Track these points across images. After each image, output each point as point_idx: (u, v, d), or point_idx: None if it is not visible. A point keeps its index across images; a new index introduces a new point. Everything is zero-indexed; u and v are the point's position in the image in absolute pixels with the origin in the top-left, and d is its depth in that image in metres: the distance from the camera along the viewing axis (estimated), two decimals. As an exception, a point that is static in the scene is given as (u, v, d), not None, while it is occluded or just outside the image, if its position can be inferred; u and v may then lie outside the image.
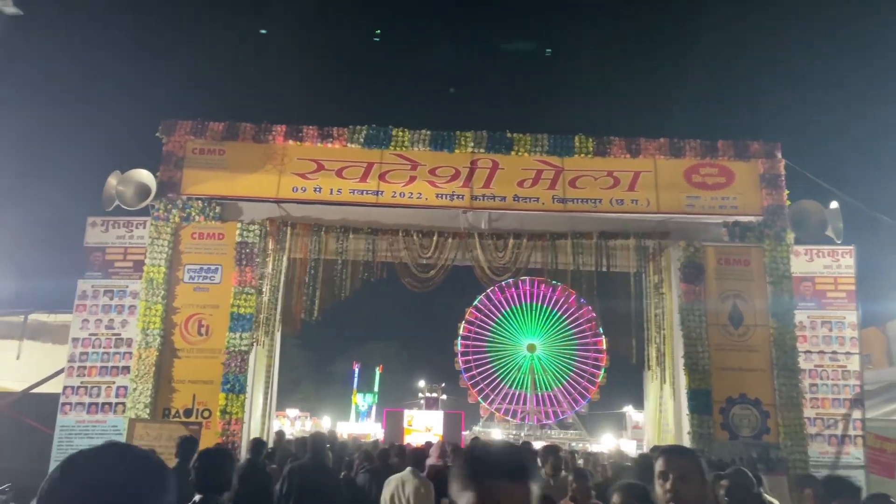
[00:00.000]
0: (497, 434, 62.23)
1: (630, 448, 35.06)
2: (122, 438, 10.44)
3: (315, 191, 12.26)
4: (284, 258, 12.18)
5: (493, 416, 67.48)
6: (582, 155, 12.42)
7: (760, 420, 11.46)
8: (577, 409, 66.93)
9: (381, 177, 12.32)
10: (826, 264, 12.15)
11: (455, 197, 12.28)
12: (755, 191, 12.32)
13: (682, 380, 11.66)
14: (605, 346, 65.10)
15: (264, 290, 11.95)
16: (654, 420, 12.75)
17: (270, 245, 12.09)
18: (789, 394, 11.45)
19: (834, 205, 11.94)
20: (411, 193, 12.27)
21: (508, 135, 12.50)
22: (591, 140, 12.48)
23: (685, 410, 11.53)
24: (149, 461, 1.59)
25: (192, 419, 11.20)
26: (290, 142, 12.46)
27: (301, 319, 11.99)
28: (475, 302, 67.67)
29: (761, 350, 11.73)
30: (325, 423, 51.39)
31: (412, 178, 12.33)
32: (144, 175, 12.06)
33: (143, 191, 12.01)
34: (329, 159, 12.39)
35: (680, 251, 12.09)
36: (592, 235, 12.23)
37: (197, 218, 12.06)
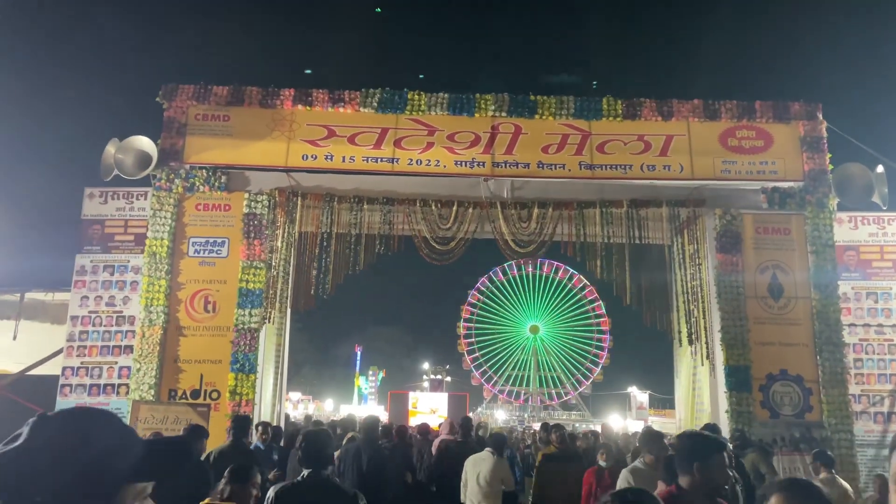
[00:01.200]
0: (501, 415, 62.08)
1: (637, 428, 34.47)
2: (126, 421, 9.78)
3: (326, 158, 11.51)
4: (295, 230, 11.45)
5: (497, 398, 67.46)
6: (610, 118, 11.65)
7: (803, 397, 10.80)
8: (580, 389, 66.99)
9: (397, 143, 11.57)
10: (871, 232, 11.43)
11: (475, 164, 11.54)
12: (795, 155, 11.57)
13: (720, 355, 10.98)
14: (608, 327, 65.59)
15: (274, 264, 11.23)
16: (688, 398, 12.09)
17: (280, 217, 11.36)
18: (833, 369, 10.78)
19: (880, 169, 11.19)
20: (429, 161, 11.52)
21: (532, 97, 11.73)
22: (619, 102, 11.70)
23: (722, 388, 10.86)
24: (112, 420, 1.60)
25: (200, 401, 10.53)
26: (299, 107, 11.70)
27: (313, 295, 11.26)
28: (478, 284, 67.66)
29: (803, 324, 11.04)
30: (327, 406, 51.19)
31: (429, 145, 11.57)
32: (145, 143, 11.31)
33: (144, 159, 11.26)
34: (341, 125, 11.63)
35: (716, 220, 11.37)
36: (623, 204, 11.49)
37: (201, 188, 11.33)
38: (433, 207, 11.46)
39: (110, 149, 11.23)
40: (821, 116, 11.64)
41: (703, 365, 11.20)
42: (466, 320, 66.98)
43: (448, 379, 59.84)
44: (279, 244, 11.29)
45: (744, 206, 11.47)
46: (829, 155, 11.49)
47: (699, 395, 11.63)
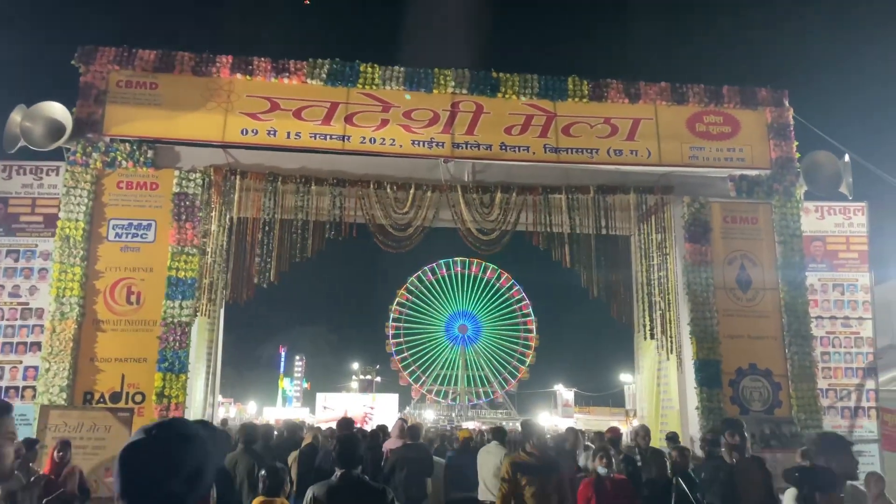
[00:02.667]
0: (429, 415, 61.56)
1: (566, 425, 34.31)
2: (32, 429, 8.39)
3: (269, 134, 10.36)
4: (233, 213, 10.25)
5: (425, 398, 67.04)
6: (576, 99, 10.99)
7: (772, 392, 10.43)
8: (507, 388, 67.32)
9: (348, 119, 10.54)
10: (837, 222, 11.18)
11: (434, 144, 10.64)
12: (762, 142, 11.23)
13: (688, 350, 10.48)
14: (534, 326, 66.29)
15: (208, 249, 10.00)
16: (651, 394, 11.55)
17: (215, 197, 10.13)
18: (802, 363, 10.45)
19: (847, 158, 10.95)
20: (383, 139, 10.55)
21: (494, 74, 10.93)
22: (586, 83, 11.05)
23: (692, 383, 10.36)
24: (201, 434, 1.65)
25: (121, 404, 9.21)
26: (238, 76, 10.50)
27: (255, 284, 10.08)
28: (406, 283, 67.06)
29: (771, 316, 10.68)
30: (250, 409, 49.17)
31: (384, 122, 10.60)
32: (57, 110, 9.86)
33: (56, 129, 9.82)
34: (285, 97, 10.51)
35: (684, 208, 10.87)
36: (589, 190, 10.83)
37: (124, 163, 9.98)
38: (388, 190, 10.49)
39: (16, 116, 9.73)
40: (787, 103, 11.34)
41: (668, 360, 10.65)
42: (395, 320, 66.36)
43: (378, 379, 58.64)
44: (214, 227, 10.06)
45: (712, 195, 11.04)
46: (795, 143, 11.19)
47: (665, 391, 11.11)
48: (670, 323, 10.64)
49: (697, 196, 10.91)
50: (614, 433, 8.94)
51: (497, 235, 10.72)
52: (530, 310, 66.54)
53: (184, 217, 9.88)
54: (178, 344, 9.48)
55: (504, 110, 10.87)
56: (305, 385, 56.46)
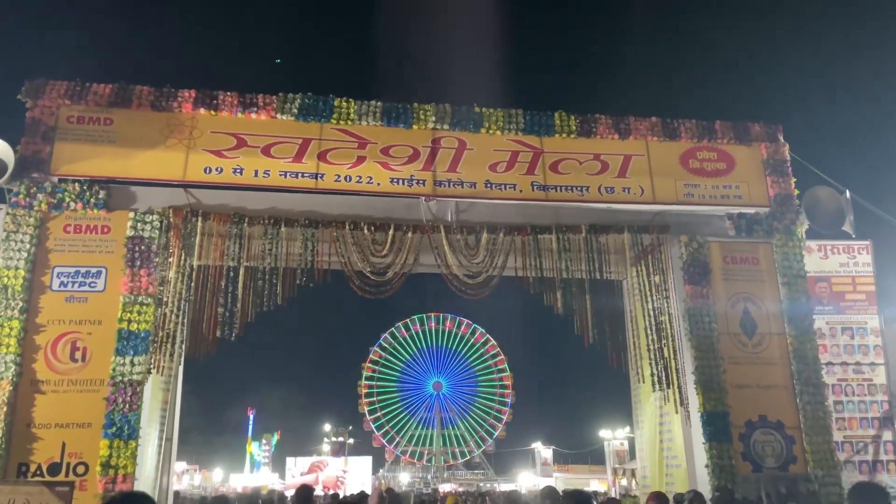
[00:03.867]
0: (404, 478, 59.38)
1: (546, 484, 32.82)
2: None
3: (235, 172, 9.53)
4: (194, 258, 9.30)
5: (399, 460, 64.99)
6: (564, 135, 10.38)
7: (785, 447, 9.58)
8: (484, 447, 65.53)
9: (321, 156, 9.77)
10: (842, 262, 10.59)
11: (414, 182, 9.89)
12: (759, 179, 10.69)
13: (694, 401, 9.63)
14: (510, 382, 65.00)
15: (165, 299, 8.99)
16: (654, 450, 10.61)
17: (174, 241, 9.18)
18: (815, 414, 9.66)
19: (848, 194, 10.44)
20: (360, 177, 9.77)
21: (477, 109, 10.29)
22: (573, 118, 10.48)
23: (699, 438, 9.48)
24: None
25: (61, 477, 8.04)
26: (202, 110, 9.71)
27: (217, 338, 9.05)
28: (379, 340, 65.67)
29: (779, 363, 9.92)
30: (215, 477, 46.87)
31: (361, 159, 9.85)
32: (-1, 147, 8.94)
33: (-3, 168, 8.88)
34: (253, 133, 9.73)
35: (681, 248, 10.20)
36: (581, 229, 10.12)
37: (73, 205, 9.04)
38: (366, 231, 9.64)
39: (-49, 153, 8.79)
40: (782, 139, 10.87)
41: (677, 413, 9.78)
42: (368, 378, 64.60)
43: (351, 441, 56.35)
44: (172, 275, 9.07)
45: (710, 234, 10.39)
46: (794, 179, 10.67)
47: (669, 448, 10.19)
48: (675, 371, 9.81)
49: (695, 235, 10.26)
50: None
51: (484, 279, 9.89)
52: (506, 364, 65.57)
53: (138, 263, 8.91)
54: (127, 406, 8.38)
55: (488, 146, 10.21)
56: (273, 444, 54.06)
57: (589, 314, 10.00)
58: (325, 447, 55.95)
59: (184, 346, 9.31)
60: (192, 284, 9.24)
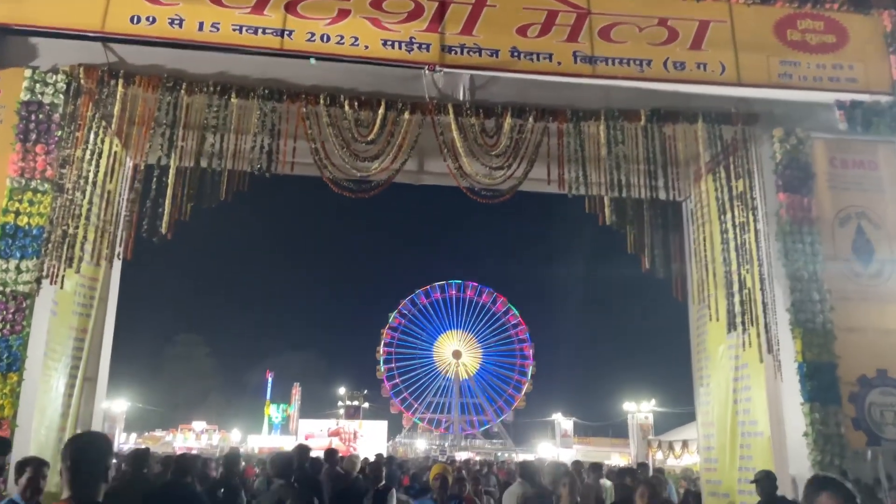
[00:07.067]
0: (421, 445, 58.26)
1: (567, 458, 30.91)
2: None
3: (172, 24, 7.03)
4: (111, 133, 6.86)
5: (416, 427, 64.07)
6: (619, -10, 7.71)
7: (912, 413, 7.01)
8: (502, 417, 64.30)
9: (290, 7, 7.23)
10: None
11: (415, 46, 7.32)
12: (881, 57, 7.98)
13: (788, 346, 7.07)
14: (531, 352, 63.37)
15: (68, 185, 6.58)
16: (725, 413, 8.05)
17: (85, 109, 6.75)
18: (955, 369, 7.06)
19: None
20: (341, 37, 7.23)
21: (502, -48, 7.64)
22: (632, -33, 7.79)
23: (794, 397, 6.94)
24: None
25: None
26: (131, -58, 7.19)
27: (134, 238, 6.65)
28: (399, 306, 64.52)
29: (906, 301, 7.31)
30: (233, 437, 45.86)
31: (343, 13, 7.30)
32: None
33: None
34: (199, -26, 7.20)
35: (774, 144, 7.58)
36: (640, 116, 7.50)
37: (-54, 58, 6.63)
38: (346, 108, 7.11)
39: None
40: (912, 6, 8.11)
41: (762, 362, 7.20)
42: (387, 345, 63.58)
43: (366, 405, 55.04)
44: (80, 153, 6.65)
45: (813, 127, 7.73)
46: (928, 58, 7.94)
47: (747, 410, 7.63)
48: (758, 306, 7.22)
49: (793, 129, 7.61)
50: None
51: (502, 179, 7.34)
52: (527, 335, 63.98)
53: (34, 137, 6.51)
54: (8, 327, 6.05)
55: (517, 2, 7.59)
56: (293, 410, 53.00)
57: (646, 227, 7.40)
58: (341, 411, 54.78)
59: (104, 251, 6.90)
60: (107, 169, 6.81)
